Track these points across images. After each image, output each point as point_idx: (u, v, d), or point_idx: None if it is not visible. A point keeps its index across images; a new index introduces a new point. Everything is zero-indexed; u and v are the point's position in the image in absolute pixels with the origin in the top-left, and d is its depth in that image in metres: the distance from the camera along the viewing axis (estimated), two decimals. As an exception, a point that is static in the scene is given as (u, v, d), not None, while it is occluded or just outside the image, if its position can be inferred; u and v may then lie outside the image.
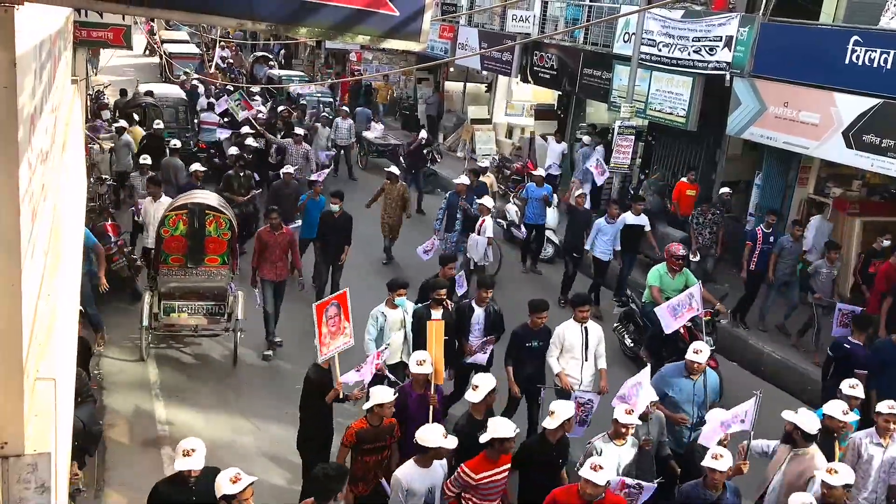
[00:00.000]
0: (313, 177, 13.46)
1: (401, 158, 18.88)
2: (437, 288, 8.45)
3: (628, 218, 12.52)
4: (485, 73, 23.43)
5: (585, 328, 8.24)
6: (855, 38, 11.02)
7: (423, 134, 19.52)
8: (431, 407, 6.76)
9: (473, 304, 8.73)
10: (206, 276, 10.30)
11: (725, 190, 13.74)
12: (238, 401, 9.45)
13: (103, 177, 14.72)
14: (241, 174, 14.05)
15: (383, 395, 6.33)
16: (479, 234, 12.40)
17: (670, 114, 14.65)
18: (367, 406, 6.38)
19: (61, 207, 6.06)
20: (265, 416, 9.08)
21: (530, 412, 8.45)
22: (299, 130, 16.77)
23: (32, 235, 3.64)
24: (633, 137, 14.60)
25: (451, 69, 25.63)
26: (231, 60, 33.36)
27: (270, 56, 32.30)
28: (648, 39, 14.56)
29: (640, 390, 6.71)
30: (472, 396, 6.64)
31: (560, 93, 20.02)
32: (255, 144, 16.35)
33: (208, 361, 10.46)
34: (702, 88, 13.99)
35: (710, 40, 13.38)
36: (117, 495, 7.64)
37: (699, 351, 7.34)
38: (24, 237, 3.28)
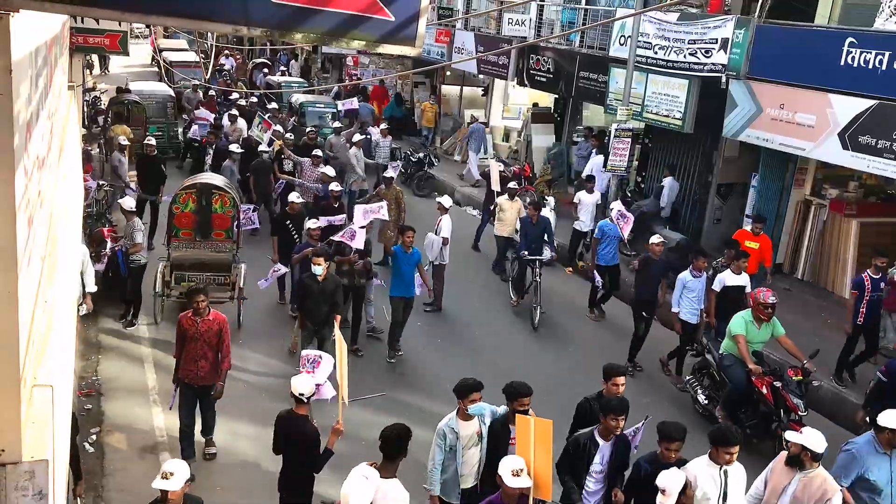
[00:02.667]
0: (378, 214, 11.41)
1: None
2: (520, 395, 6.28)
3: (727, 279, 10.44)
4: (481, 76, 23.46)
5: (725, 472, 5.93)
6: (850, 39, 11.05)
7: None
8: None
9: (596, 437, 6.24)
10: (212, 249, 11.63)
11: None
12: (236, 405, 9.42)
13: (101, 182, 14.71)
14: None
15: None
16: (436, 233, 12.28)
17: (667, 116, 14.67)
18: None
19: (58, 214, 6.06)
20: (265, 422, 9.07)
21: None
22: (318, 151, 15.60)
23: (29, 242, 3.63)
24: (629, 140, 14.62)
25: (448, 73, 25.66)
26: (229, 70, 32.95)
27: (269, 62, 31.98)
28: (644, 42, 14.58)
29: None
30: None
31: (557, 96, 20.04)
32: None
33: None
34: (698, 91, 14.01)
35: (706, 43, 13.41)
36: (115, 502, 7.62)
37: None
38: (20, 244, 3.28)
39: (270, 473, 8.13)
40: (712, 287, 10.47)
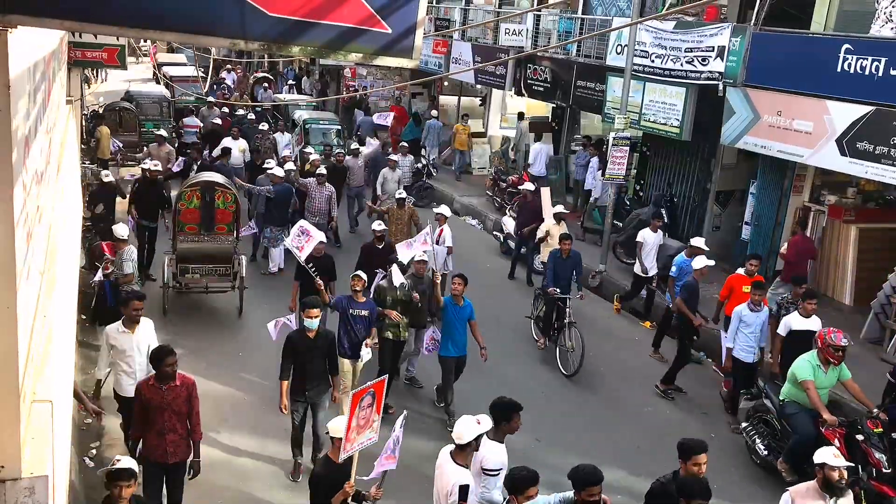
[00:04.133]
0: (425, 246, 10.25)
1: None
2: (590, 484, 5.38)
3: (794, 322, 9.34)
4: (479, 86, 23.50)
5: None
6: (846, 46, 11.07)
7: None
8: None
9: None
10: (215, 242, 12.34)
11: None
12: (236, 417, 9.40)
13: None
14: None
15: None
16: (437, 243, 11.93)
17: (664, 124, 14.69)
18: None
19: (57, 228, 6.06)
20: (265, 434, 9.05)
21: None
22: (322, 170, 14.67)
23: (28, 256, 3.63)
24: (627, 148, 14.63)
25: (446, 83, 25.72)
26: (229, 85, 32.33)
27: (271, 77, 31.33)
28: (641, 51, 14.62)
29: None
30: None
31: (554, 105, 20.09)
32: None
33: (206, 381, 10.39)
34: (695, 98, 14.04)
35: (703, 51, 13.44)
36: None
37: None
38: (19, 258, 3.28)
39: (271, 488, 8.14)
40: (778, 331, 9.50)
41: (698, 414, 10.29)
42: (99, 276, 10.71)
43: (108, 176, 13.78)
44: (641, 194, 16.88)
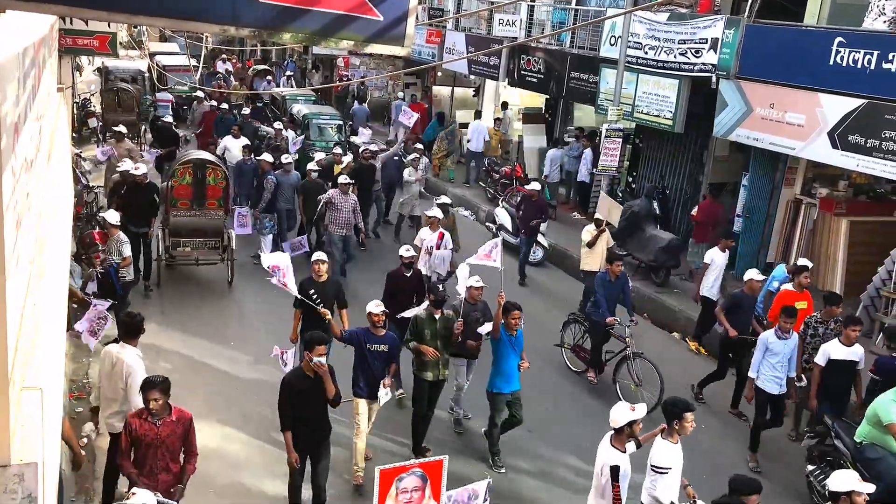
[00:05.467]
0: (489, 260, 8.96)
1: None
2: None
3: (833, 350, 8.42)
4: (472, 77, 23.47)
5: None
6: (839, 39, 11.10)
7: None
8: None
9: None
10: (206, 217, 12.93)
11: None
12: (228, 407, 9.40)
13: (91, 184, 14.64)
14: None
15: None
16: (438, 248, 11.19)
17: (657, 116, 14.70)
18: None
19: (47, 216, 6.03)
20: (258, 423, 9.05)
21: None
22: (345, 178, 13.17)
23: (17, 244, 3.62)
24: (620, 140, 14.64)
25: (439, 73, 25.67)
26: (223, 74, 31.29)
27: (271, 70, 30.30)
28: (634, 42, 14.62)
29: None
30: None
31: (548, 96, 20.07)
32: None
33: (199, 370, 10.40)
34: (688, 91, 14.06)
35: (696, 42, 13.45)
36: (107, 505, 7.57)
37: None
38: (8, 246, 3.27)
39: (263, 477, 8.14)
40: (815, 360, 8.55)
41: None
42: (99, 269, 10.48)
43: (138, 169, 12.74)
44: (634, 186, 16.90)
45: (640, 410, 6.15)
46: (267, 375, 10.17)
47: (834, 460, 7.80)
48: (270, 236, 14.03)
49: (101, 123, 21.40)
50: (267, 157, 14.53)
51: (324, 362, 6.81)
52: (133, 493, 5.15)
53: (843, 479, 5.78)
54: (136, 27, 33.47)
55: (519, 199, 14.98)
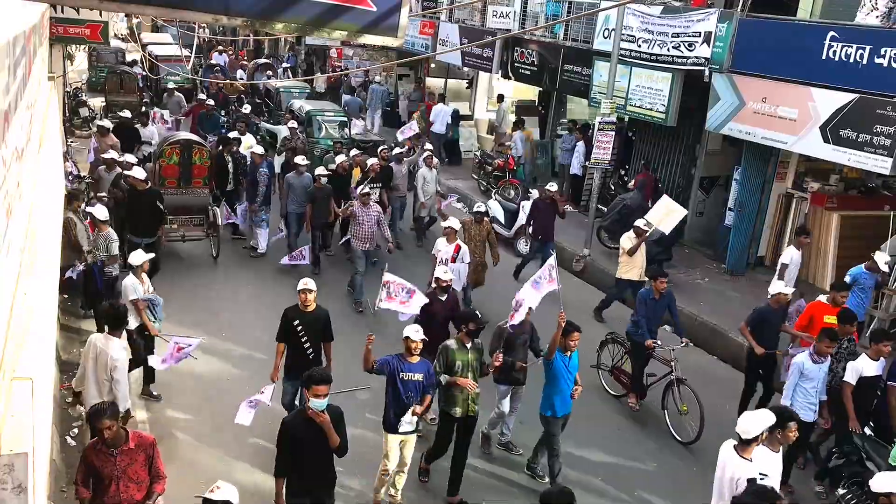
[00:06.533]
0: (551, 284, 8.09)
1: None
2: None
3: (865, 367, 8.10)
4: (466, 69, 23.42)
5: None
6: (832, 33, 11.12)
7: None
8: None
9: None
10: (193, 195, 13.60)
11: None
12: (218, 396, 9.39)
13: (81, 174, 14.58)
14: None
15: None
16: (454, 261, 10.80)
17: (650, 109, 14.72)
18: None
19: (38, 205, 6.01)
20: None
21: None
22: (366, 189, 12.47)
23: (7, 233, 3.60)
24: (613, 133, 14.65)
25: (433, 65, 25.60)
26: (220, 66, 30.40)
27: (271, 63, 29.69)
28: (628, 35, 14.62)
29: None
30: None
31: (541, 89, 20.06)
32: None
33: (189, 362, 10.37)
34: (681, 84, 14.07)
35: (689, 36, 13.46)
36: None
37: None
38: (-2, 235, 3.25)
39: (254, 469, 8.14)
40: (845, 379, 8.14)
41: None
42: (79, 268, 10.33)
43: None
44: (626, 179, 16.92)
45: (770, 418, 6.13)
46: (260, 366, 10.16)
47: (864, 481, 7.13)
48: (266, 230, 14.01)
49: (104, 104, 23.07)
50: (258, 149, 14.28)
51: (323, 407, 5.98)
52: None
53: (887, 480, 5.81)
54: (132, 16, 33.20)
55: (531, 201, 13.88)
